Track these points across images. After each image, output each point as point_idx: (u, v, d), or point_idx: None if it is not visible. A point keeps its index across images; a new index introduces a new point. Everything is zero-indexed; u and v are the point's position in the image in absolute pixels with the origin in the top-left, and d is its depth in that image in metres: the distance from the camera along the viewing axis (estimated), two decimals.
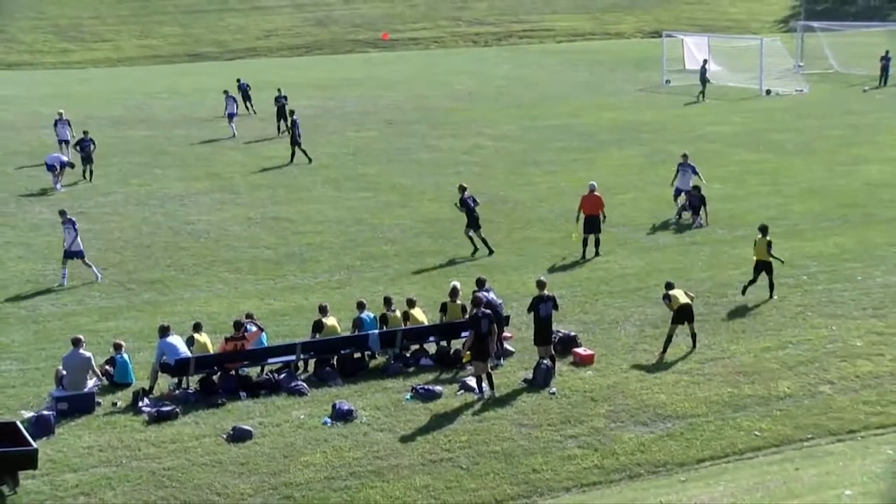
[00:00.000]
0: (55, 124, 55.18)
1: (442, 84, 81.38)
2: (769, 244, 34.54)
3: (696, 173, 44.02)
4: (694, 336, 30.85)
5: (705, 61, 77.08)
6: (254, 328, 30.03)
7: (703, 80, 76.06)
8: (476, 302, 28.67)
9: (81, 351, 27.91)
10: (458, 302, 30.86)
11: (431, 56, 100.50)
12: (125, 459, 25.37)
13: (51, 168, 50.28)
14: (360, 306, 30.99)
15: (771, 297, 34.85)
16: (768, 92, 76.76)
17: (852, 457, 25.41)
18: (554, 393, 28.39)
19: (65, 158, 50.80)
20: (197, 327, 29.58)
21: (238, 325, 29.62)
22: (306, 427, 26.82)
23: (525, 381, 28.95)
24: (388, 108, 70.81)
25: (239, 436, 26.29)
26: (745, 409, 27.82)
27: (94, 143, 51.67)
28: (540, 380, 28.75)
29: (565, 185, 48.92)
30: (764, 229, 34.77)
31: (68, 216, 38.02)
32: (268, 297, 35.57)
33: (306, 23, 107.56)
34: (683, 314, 30.51)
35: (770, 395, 28.45)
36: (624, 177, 47.81)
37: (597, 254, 39.60)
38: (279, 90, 63.66)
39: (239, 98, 68.91)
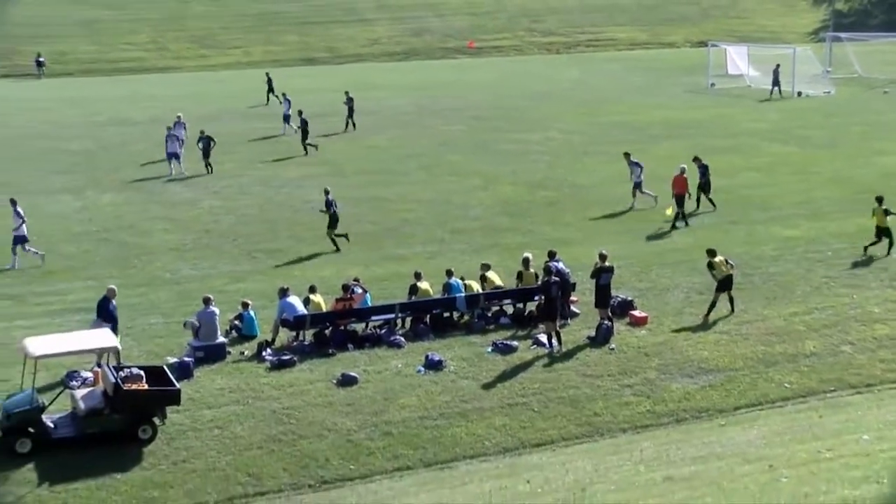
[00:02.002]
0: (175, 126, 53.73)
1: (519, 86, 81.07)
2: (886, 211, 35.14)
3: (639, 166, 43.13)
4: (732, 301, 30.68)
5: (778, 66, 75.86)
6: (359, 290, 30.23)
7: (776, 81, 75.04)
8: (547, 270, 28.86)
9: (212, 308, 28.27)
10: (532, 270, 30.92)
11: (511, 62, 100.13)
12: (251, 399, 25.71)
13: (172, 156, 50.35)
14: (448, 273, 31.12)
15: (889, 254, 35.28)
16: (799, 94, 75.58)
17: (869, 407, 25.22)
18: (613, 348, 28.40)
19: (178, 149, 50.50)
20: (312, 289, 29.84)
21: (346, 288, 29.86)
22: (403, 374, 27.01)
23: (588, 338, 28.98)
24: (474, 106, 70.68)
25: (346, 381, 26.52)
26: (776, 364, 27.67)
27: (212, 140, 50.78)
28: (601, 337, 28.79)
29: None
30: (880, 199, 35.49)
31: (17, 206, 36.93)
32: (371, 265, 35.73)
33: (404, 33, 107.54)
34: (726, 283, 30.43)
35: (798, 353, 28.26)
36: (672, 166, 47.36)
37: (686, 224, 39.74)
38: (347, 92, 62.76)
39: (265, 90, 71.60)
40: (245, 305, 29.78)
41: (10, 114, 69.06)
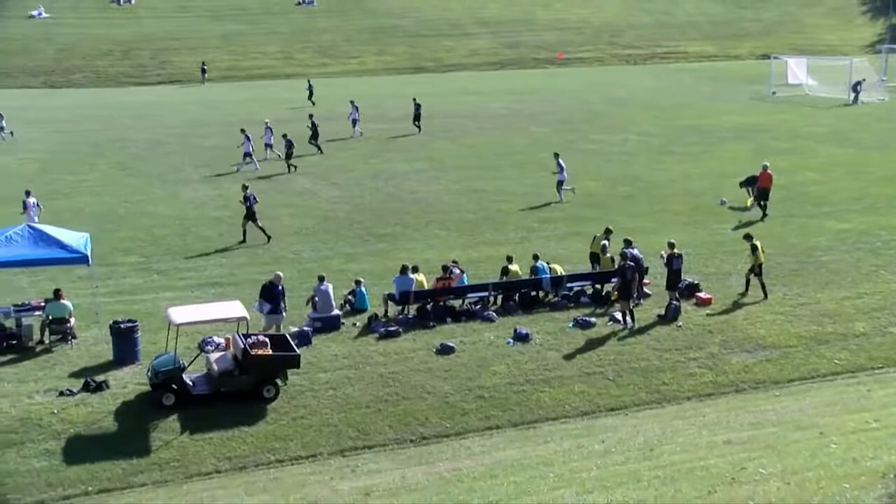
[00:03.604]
0: (265, 130, 53.19)
1: (601, 93, 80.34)
2: None
3: (561, 166, 42.82)
4: (763, 286, 30.38)
5: (863, 80, 74.35)
6: (457, 271, 30.26)
7: (856, 89, 73.53)
8: (623, 256, 28.81)
9: (326, 284, 28.46)
10: (608, 255, 30.80)
11: (594, 72, 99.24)
12: (361, 365, 25.87)
13: (247, 154, 50.06)
14: (535, 257, 31.05)
15: None
16: (854, 101, 73.88)
17: None
18: (680, 326, 28.13)
19: (250, 149, 49.99)
20: (415, 269, 29.86)
21: (445, 269, 29.92)
22: (495, 345, 27.00)
23: (658, 316, 28.75)
24: (561, 110, 70.25)
25: (445, 350, 26.57)
26: (827, 342, 27.19)
27: (293, 144, 49.84)
28: (670, 315, 28.57)
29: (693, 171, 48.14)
30: None
31: (30, 196, 37.04)
32: (468, 249, 35.72)
33: (501, 45, 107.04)
34: (761, 268, 30.16)
35: (848, 333, 27.74)
36: (737, 165, 46.74)
37: (764, 215, 39.11)
38: (414, 99, 61.89)
39: (306, 94, 72.99)
40: (357, 283, 29.96)
41: (163, 115, 70.22)
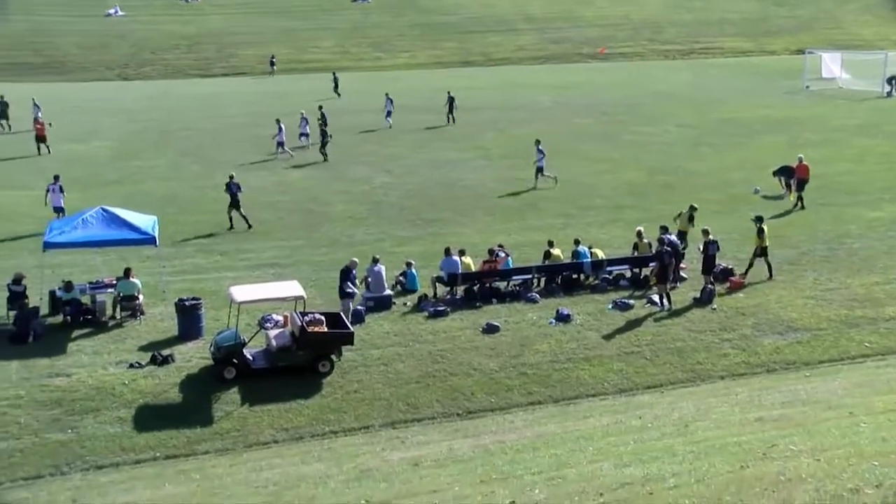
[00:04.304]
0: (300, 121, 53.10)
1: (641, 87, 79.63)
2: None
3: (542, 153, 42.88)
4: (770, 267, 30.36)
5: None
6: (502, 254, 30.31)
7: (892, 83, 72.41)
8: (660, 241, 28.76)
9: (379, 265, 28.57)
10: (645, 241, 30.71)
11: (634, 66, 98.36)
12: (411, 342, 26.01)
13: (280, 143, 50.27)
14: (577, 242, 30.99)
15: None
16: (888, 94, 72.74)
17: None
18: (714, 308, 28.01)
19: (283, 138, 50.10)
20: (462, 252, 29.94)
21: (491, 252, 29.96)
22: (537, 325, 27.03)
23: (694, 299, 28.68)
24: (603, 103, 69.74)
25: (490, 329, 26.63)
26: (857, 326, 26.94)
27: (326, 135, 49.98)
28: (704, 298, 28.50)
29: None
30: None
31: (59, 181, 36.98)
32: (512, 233, 35.69)
33: (546, 41, 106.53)
34: (765, 251, 30.10)
35: (878, 316, 27.45)
36: (771, 156, 46.21)
37: (802, 207, 38.66)
38: (448, 92, 61.40)
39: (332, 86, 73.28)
40: (409, 265, 30.10)
41: (225, 106, 70.60)
